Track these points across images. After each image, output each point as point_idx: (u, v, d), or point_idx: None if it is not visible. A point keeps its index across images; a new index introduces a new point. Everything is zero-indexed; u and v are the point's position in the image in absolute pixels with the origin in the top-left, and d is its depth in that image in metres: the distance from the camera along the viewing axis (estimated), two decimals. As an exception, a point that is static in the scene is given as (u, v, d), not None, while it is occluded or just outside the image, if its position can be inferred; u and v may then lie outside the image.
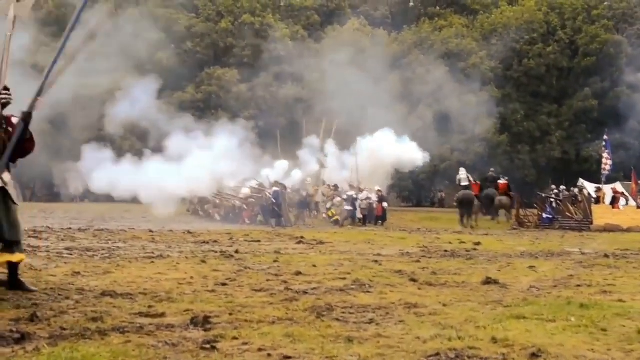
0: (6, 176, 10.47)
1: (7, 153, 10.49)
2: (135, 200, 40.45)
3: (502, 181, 47.35)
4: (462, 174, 45.78)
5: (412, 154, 47.47)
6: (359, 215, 43.88)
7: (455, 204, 45.86)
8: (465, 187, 44.57)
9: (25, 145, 10.73)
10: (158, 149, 41.13)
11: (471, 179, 46.05)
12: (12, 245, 10.64)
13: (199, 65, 64.10)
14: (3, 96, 9.86)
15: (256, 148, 46.84)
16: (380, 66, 56.45)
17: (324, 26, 68.57)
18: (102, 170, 38.85)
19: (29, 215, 37.09)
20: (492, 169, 51.01)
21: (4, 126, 10.54)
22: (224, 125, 46.01)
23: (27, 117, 10.65)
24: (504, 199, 45.61)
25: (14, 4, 9.79)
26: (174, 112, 46.92)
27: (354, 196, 43.45)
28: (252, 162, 44.54)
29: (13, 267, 10.84)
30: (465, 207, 43.38)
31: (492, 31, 67.61)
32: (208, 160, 40.66)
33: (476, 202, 43.70)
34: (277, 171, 46.54)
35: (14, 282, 10.84)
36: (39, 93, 10.73)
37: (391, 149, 46.63)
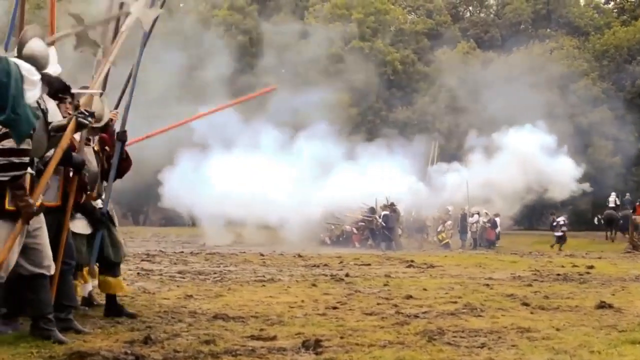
0: (98, 202, 10.48)
1: (111, 175, 10.54)
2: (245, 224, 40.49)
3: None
4: (612, 197, 48.86)
5: (565, 175, 46.63)
6: (469, 239, 43.67)
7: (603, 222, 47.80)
8: (612, 209, 47.59)
9: (121, 165, 10.74)
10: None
11: (618, 201, 48.61)
12: (115, 266, 10.65)
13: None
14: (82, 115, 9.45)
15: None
16: (490, 89, 55.92)
17: (434, 49, 68.32)
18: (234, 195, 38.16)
19: (142, 239, 37.75)
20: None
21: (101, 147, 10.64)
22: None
23: (122, 137, 10.64)
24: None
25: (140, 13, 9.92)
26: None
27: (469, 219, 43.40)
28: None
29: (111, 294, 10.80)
30: (610, 225, 46.92)
31: (603, 52, 66.51)
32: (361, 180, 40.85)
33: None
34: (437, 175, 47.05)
35: (113, 308, 10.76)
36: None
37: (541, 155, 45.62)
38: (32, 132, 7.82)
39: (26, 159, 7.99)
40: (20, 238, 8.02)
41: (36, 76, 7.57)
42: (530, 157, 45.02)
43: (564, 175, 46.38)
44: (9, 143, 7.85)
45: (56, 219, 8.90)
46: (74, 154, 9.03)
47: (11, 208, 7.94)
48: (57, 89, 8.18)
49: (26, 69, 7.46)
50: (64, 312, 9.06)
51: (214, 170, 38.97)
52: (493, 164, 46.08)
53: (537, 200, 54.07)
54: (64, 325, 8.87)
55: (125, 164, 10.85)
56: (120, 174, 10.87)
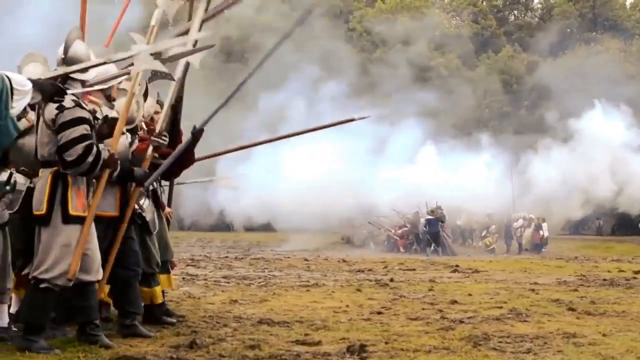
0: (145, 203, 10.05)
1: (165, 162, 9.81)
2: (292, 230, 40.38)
3: None
4: None
5: None
6: (514, 243, 43.46)
7: None
8: None
9: (185, 161, 10.19)
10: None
11: None
12: (149, 277, 10.13)
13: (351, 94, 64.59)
14: (157, 139, 9.52)
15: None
16: (535, 94, 55.71)
17: (478, 54, 68.17)
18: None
19: (187, 244, 37.90)
20: None
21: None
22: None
23: (198, 134, 9.97)
24: None
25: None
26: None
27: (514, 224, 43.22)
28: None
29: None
30: None
31: (647, 55, 66.13)
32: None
33: None
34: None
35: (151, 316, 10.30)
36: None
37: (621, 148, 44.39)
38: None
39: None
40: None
41: (27, 86, 7.65)
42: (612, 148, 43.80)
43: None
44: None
45: (113, 229, 8.91)
46: (135, 169, 9.03)
47: (75, 213, 8.05)
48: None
49: (17, 81, 7.51)
50: (128, 319, 9.18)
51: (288, 165, 38.34)
52: (572, 157, 45.18)
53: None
54: (128, 331, 9.05)
55: (188, 162, 10.28)
56: (180, 169, 10.49)
